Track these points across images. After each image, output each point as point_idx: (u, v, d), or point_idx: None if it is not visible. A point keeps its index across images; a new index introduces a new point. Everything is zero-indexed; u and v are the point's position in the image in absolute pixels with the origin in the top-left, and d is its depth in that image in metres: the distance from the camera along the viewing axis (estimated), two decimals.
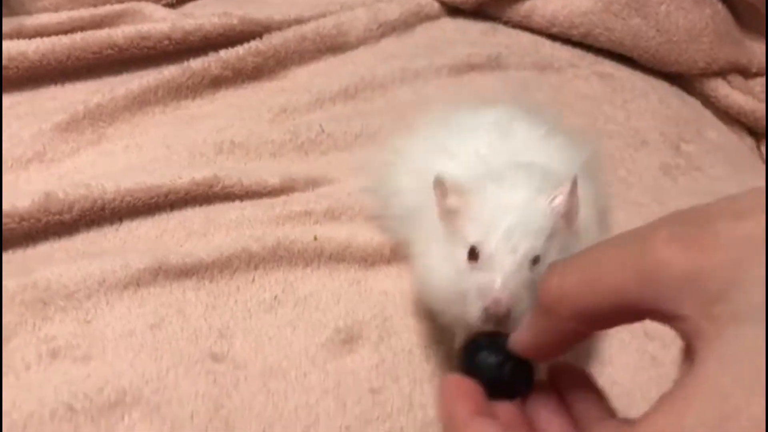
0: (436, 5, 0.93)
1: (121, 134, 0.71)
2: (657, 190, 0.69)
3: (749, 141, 0.88)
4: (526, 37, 0.91)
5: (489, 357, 0.35)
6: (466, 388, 0.33)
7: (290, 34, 0.81)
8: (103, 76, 0.76)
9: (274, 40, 0.80)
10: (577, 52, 0.89)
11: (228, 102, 0.76)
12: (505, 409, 0.33)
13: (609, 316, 0.28)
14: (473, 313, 0.40)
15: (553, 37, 0.91)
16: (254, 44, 0.79)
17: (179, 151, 0.67)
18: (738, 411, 0.23)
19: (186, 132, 0.70)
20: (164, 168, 0.64)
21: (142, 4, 0.86)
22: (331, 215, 0.62)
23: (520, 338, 0.33)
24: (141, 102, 0.73)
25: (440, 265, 0.43)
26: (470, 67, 0.83)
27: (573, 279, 0.28)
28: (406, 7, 0.90)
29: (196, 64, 0.76)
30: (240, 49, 0.78)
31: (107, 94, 0.71)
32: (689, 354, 0.26)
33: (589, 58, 0.89)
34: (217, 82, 0.77)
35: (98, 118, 0.70)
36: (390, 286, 0.56)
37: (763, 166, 0.85)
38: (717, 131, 0.85)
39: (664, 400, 0.25)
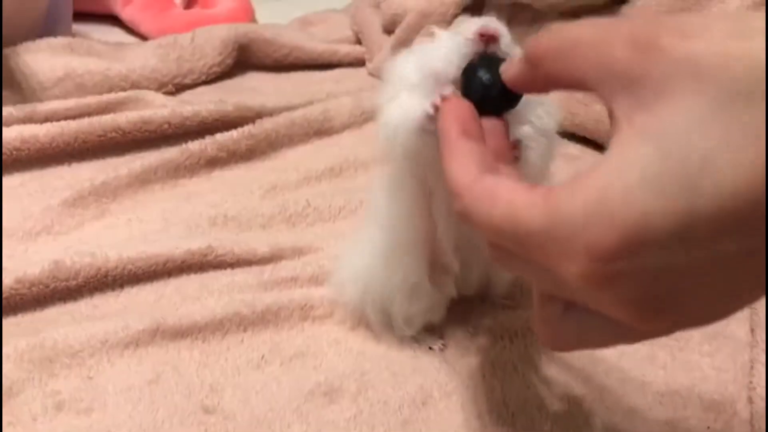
0: None
1: (124, 209, 0.77)
2: None
3: None
4: None
5: (482, 75, 0.42)
6: (461, 108, 0.39)
7: (281, 119, 0.89)
8: (107, 157, 0.83)
9: (266, 124, 0.88)
10: None
11: (223, 180, 0.83)
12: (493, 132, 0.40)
13: (567, 86, 0.33)
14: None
15: None
16: (248, 128, 0.86)
17: (177, 224, 0.73)
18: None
19: (183, 206, 0.77)
20: (163, 239, 0.70)
21: (144, 92, 0.94)
22: (316, 280, 0.68)
23: (508, 70, 0.38)
24: (142, 180, 0.79)
25: None
26: None
27: (554, 45, 0.33)
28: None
29: (194, 146, 0.83)
30: (234, 133, 0.86)
31: (111, 173, 0.78)
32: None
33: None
34: (212, 163, 0.84)
35: (102, 194, 0.77)
36: (369, 347, 0.61)
37: None
38: None
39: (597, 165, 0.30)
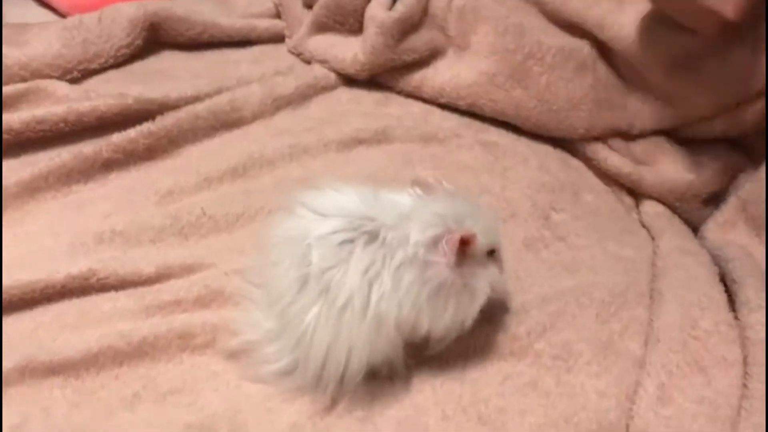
0: (333, 76, 0.97)
1: (12, 222, 0.74)
2: (517, 264, 0.74)
3: (628, 201, 0.93)
4: (417, 107, 0.96)
5: None
6: None
7: (183, 113, 0.85)
8: None
9: (167, 120, 0.84)
10: (464, 121, 0.94)
11: (119, 184, 0.80)
12: None
13: None
14: None
15: (443, 106, 0.96)
16: (146, 126, 0.83)
17: (63, 241, 0.71)
18: None
19: (74, 218, 0.74)
20: (45, 261, 0.68)
21: (46, 83, 0.89)
22: (201, 302, 0.66)
23: None
24: (32, 189, 0.77)
25: None
26: (358, 142, 0.88)
27: None
28: (303, 80, 0.95)
29: (87, 148, 0.80)
30: (132, 132, 0.82)
31: None
32: None
33: (476, 126, 0.94)
34: (108, 165, 0.81)
35: None
36: (245, 381, 0.60)
37: (640, 227, 0.90)
38: (594, 194, 0.90)
39: None
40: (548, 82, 0.92)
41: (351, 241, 0.58)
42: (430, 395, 0.61)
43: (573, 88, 0.92)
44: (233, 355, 0.62)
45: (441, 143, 0.91)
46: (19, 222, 0.74)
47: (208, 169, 0.82)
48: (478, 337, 0.65)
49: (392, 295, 0.57)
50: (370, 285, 0.57)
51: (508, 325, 0.66)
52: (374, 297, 0.57)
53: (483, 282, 0.61)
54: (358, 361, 0.57)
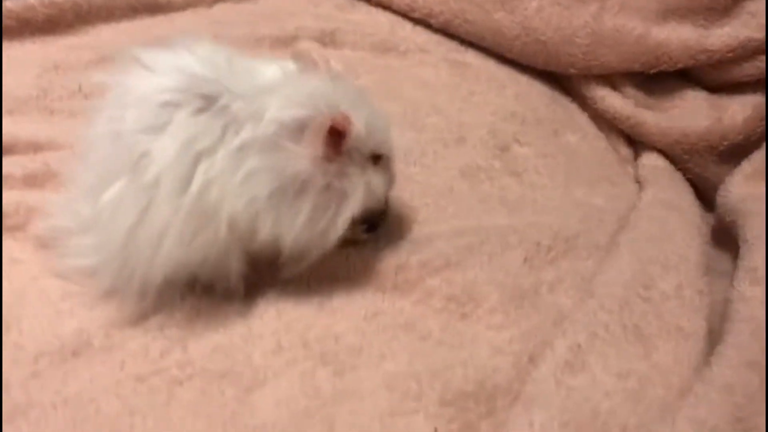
0: None
1: None
2: (443, 192, 0.59)
3: (625, 152, 0.76)
4: (386, 17, 0.81)
5: None
6: None
7: None
8: None
9: None
10: (437, 38, 0.79)
11: (7, 54, 0.68)
12: None
13: None
14: None
15: (418, 21, 0.81)
16: None
17: None
18: None
19: None
20: None
21: None
22: (30, 182, 0.54)
23: None
24: None
25: None
26: (295, 40, 0.74)
27: None
28: None
29: None
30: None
31: None
32: None
33: (450, 45, 0.79)
34: None
35: None
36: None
37: (631, 181, 0.73)
38: (580, 136, 0.74)
39: None
40: (539, 6, 0.76)
41: (176, 104, 0.44)
42: (271, 321, 0.47)
43: (568, 17, 0.75)
44: (44, 244, 0.50)
45: (400, 55, 0.76)
46: None
47: (112, 51, 0.69)
48: (352, 262, 0.50)
49: (226, 181, 0.44)
50: (195, 162, 0.44)
51: (398, 254, 0.51)
52: (198, 178, 0.43)
53: (357, 186, 0.46)
54: (167, 255, 0.44)
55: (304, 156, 0.45)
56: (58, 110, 0.62)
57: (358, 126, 0.46)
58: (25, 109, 0.62)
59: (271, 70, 0.48)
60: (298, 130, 0.45)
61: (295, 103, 0.46)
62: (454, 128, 0.68)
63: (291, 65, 0.50)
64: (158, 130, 0.44)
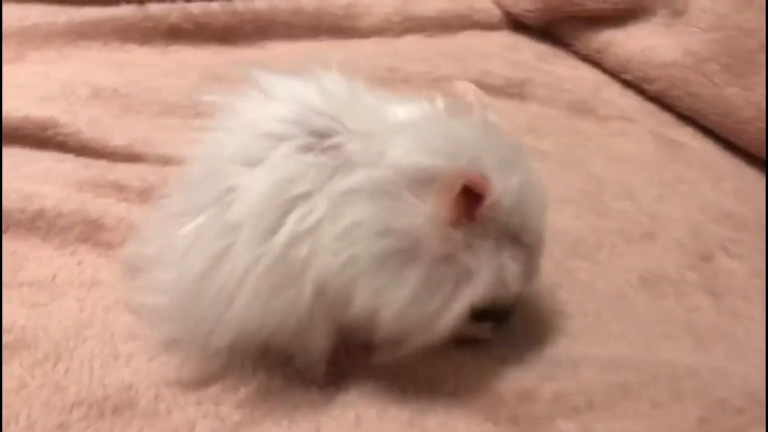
0: (497, 13, 0.75)
1: (44, 60, 0.64)
2: (604, 304, 0.46)
3: None
4: (592, 74, 0.70)
5: None
6: None
7: (284, 3, 0.70)
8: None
9: (261, 4, 0.69)
10: (647, 107, 0.67)
11: (175, 57, 0.66)
12: None
13: None
14: None
15: (628, 84, 0.69)
16: (233, 2, 0.68)
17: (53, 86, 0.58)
18: None
19: (93, 71, 0.62)
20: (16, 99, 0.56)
21: None
22: (146, 197, 0.49)
23: None
24: (78, 34, 0.66)
25: None
26: (479, 86, 0.65)
27: None
28: (453, 7, 0.74)
29: (155, 8, 0.67)
30: (214, 4, 0.68)
31: (49, 17, 0.65)
32: None
33: (661, 117, 0.66)
34: (173, 34, 0.67)
35: (28, 39, 0.64)
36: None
37: None
38: None
39: None
40: None
41: (280, 137, 0.37)
42: (345, 428, 0.37)
43: None
44: (132, 270, 0.44)
45: (599, 121, 0.65)
46: (51, 61, 0.64)
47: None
48: (465, 374, 0.40)
49: (321, 233, 0.35)
50: (288, 207, 0.36)
51: (527, 375, 0.40)
52: (289, 227, 0.35)
53: (486, 266, 0.36)
54: (240, 311, 0.36)
55: (424, 213, 0.35)
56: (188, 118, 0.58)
57: (501, 192, 0.36)
58: (169, 117, 0.58)
59: (406, 109, 0.39)
60: (424, 182, 0.36)
61: (425, 148, 0.36)
62: (646, 220, 0.55)
63: (438, 104, 0.40)
64: (253, 163, 0.36)
